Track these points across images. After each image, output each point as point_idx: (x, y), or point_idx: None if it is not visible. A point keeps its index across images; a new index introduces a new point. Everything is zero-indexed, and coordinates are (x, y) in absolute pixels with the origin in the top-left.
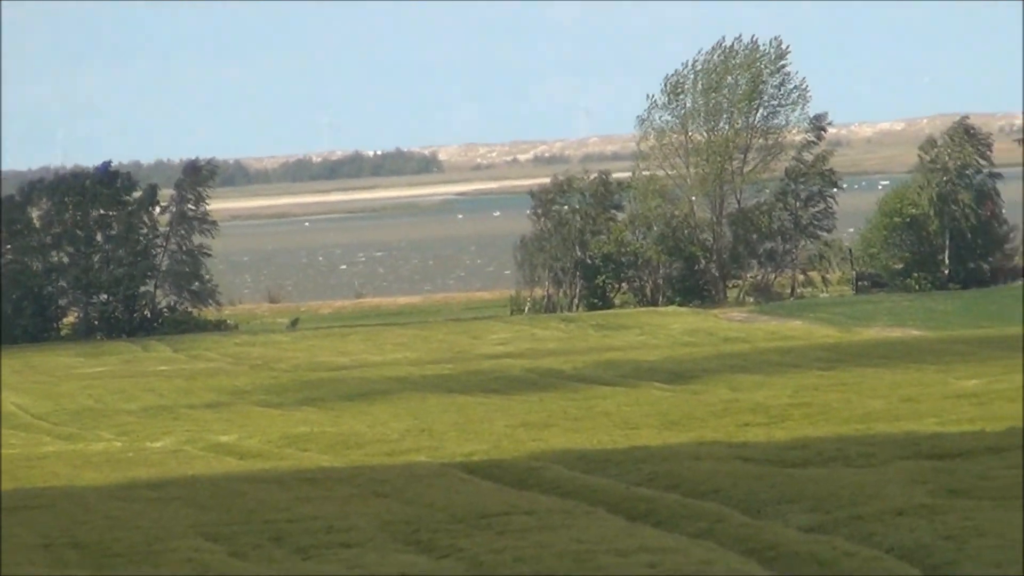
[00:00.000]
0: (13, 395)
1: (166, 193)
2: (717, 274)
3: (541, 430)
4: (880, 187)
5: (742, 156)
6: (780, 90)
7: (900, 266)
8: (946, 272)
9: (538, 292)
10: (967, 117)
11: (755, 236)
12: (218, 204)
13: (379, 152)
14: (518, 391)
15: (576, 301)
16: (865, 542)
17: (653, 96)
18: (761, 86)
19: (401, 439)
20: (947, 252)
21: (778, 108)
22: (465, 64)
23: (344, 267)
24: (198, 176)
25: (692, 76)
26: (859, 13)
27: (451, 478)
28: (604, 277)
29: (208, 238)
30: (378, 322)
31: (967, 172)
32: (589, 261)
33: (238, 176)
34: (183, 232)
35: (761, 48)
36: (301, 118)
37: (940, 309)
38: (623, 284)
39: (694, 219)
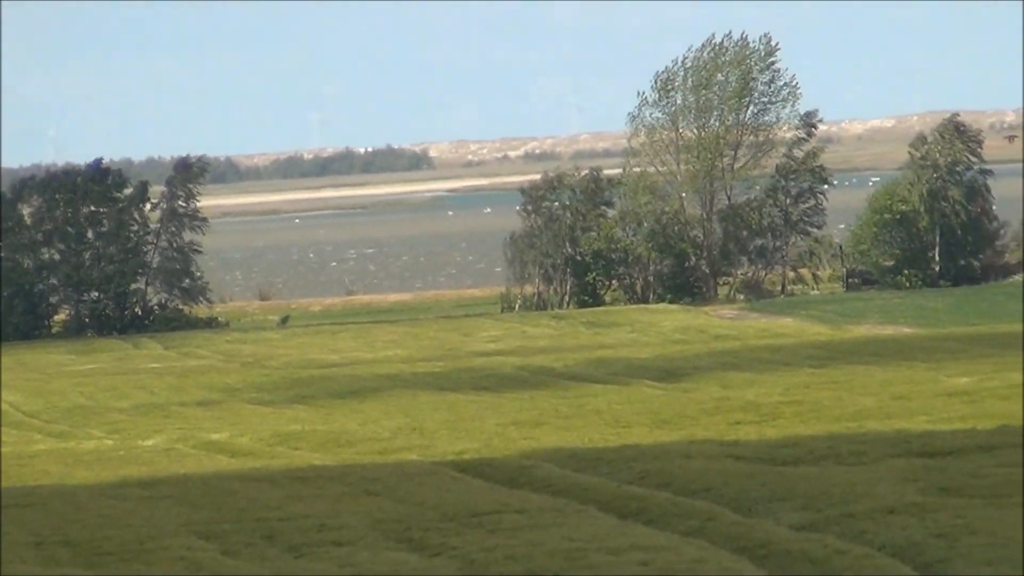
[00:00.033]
0: (5, 393)
1: (157, 190)
2: (708, 271)
3: (532, 428)
4: (871, 184)
5: (732, 153)
6: (770, 87)
7: (891, 263)
8: (937, 269)
9: (528, 289)
10: (957, 114)
11: (745, 233)
12: (209, 201)
13: (370, 149)
14: (509, 389)
15: (567, 298)
16: (856, 540)
17: (644, 93)
18: (751, 83)
19: (392, 437)
20: (938, 249)
21: (768, 105)
22: (456, 61)
23: (335, 264)
24: (189, 173)
25: (682, 73)
26: (849, 11)
27: (442, 476)
28: (595, 274)
29: (199, 235)
30: (369, 319)
31: (957, 169)
32: (579, 258)
33: (229, 173)
34: (174, 229)
35: (751, 45)
36: (292, 115)
37: (931, 306)
38: (614, 281)
39: (684, 216)
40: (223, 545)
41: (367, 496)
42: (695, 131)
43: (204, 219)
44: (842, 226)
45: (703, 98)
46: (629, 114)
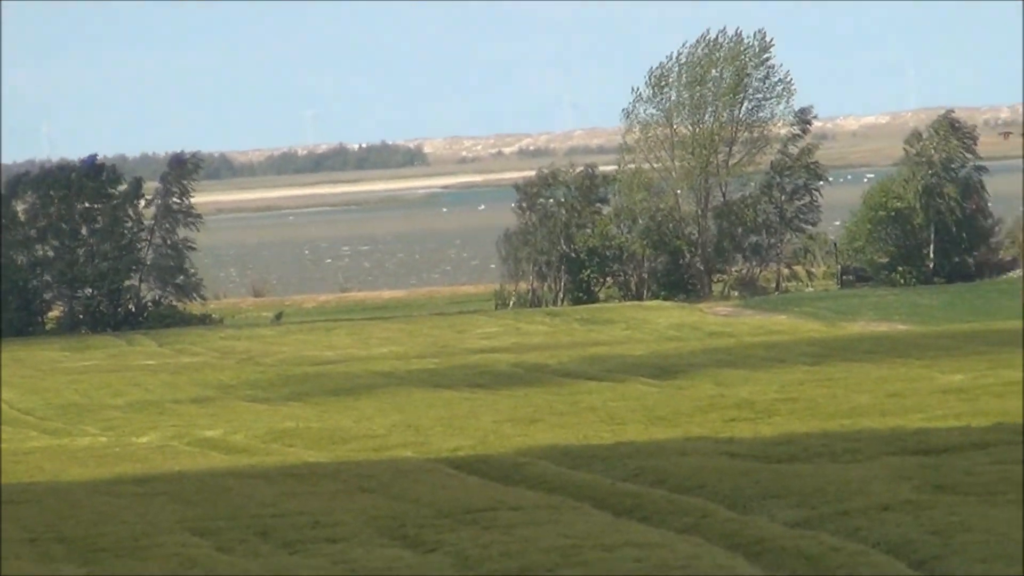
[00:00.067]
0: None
1: (151, 186)
2: (702, 268)
3: (527, 425)
4: (865, 180)
5: (727, 149)
6: (765, 83)
7: (885, 260)
8: (931, 266)
9: (523, 286)
10: (952, 110)
11: (740, 230)
12: (203, 197)
13: (364, 145)
14: (504, 386)
15: (561, 295)
16: (851, 537)
17: (638, 89)
18: (746, 79)
19: (387, 434)
20: (932, 246)
21: (763, 101)
22: (450, 57)
23: (329, 261)
24: (183, 169)
25: (677, 69)
26: (844, 6)
27: (437, 473)
28: (589, 271)
29: (193, 231)
30: (363, 316)
31: (952, 166)
32: (574, 255)
33: (223, 169)
34: (168, 225)
35: (745, 41)
36: (286, 111)
37: (925, 303)
38: (608, 278)
39: (679, 212)
40: (217, 542)
41: (361, 493)
42: (689, 127)
43: (198, 215)
44: (837, 223)
45: (697, 94)
46: (623, 110)
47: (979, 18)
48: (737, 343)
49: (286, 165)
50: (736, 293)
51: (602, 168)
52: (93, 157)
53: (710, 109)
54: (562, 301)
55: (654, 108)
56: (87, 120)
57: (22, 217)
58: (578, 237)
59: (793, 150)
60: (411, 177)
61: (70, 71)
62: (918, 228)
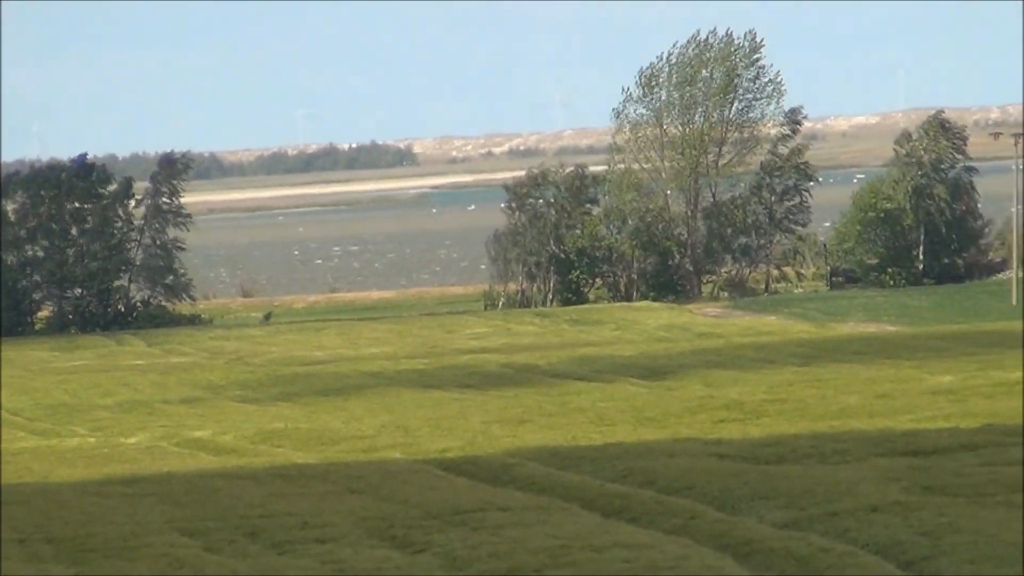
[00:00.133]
0: None
1: (141, 186)
2: (692, 269)
3: (516, 426)
4: (855, 180)
5: (717, 150)
6: (755, 83)
7: (875, 261)
8: (921, 267)
9: (512, 287)
10: (942, 111)
11: (730, 231)
12: (193, 197)
13: (354, 145)
14: (493, 387)
15: (550, 296)
16: (840, 538)
17: (628, 89)
18: (736, 79)
19: (376, 435)
20: (922, 247)
21: (753, 102)
22: (441, 57)
23: (319, 262)
24: (173, 169)
25: (667, 69)
26: (834, 7)
27: (426, 475)
28: (579, 272)
29: (183, 231)
30: (352, 317)
31: (942, 166)
32: (563, 256)
33: (213, 169)
34: (158, 225)
35: (736, 42)
36: (276, 111)
37: (915, 305)
38: (597, 279)
39: (668, 213)
40: (206, 542)
41: (350, 494)
42: (679, 128)
43: (188, 215)
44: (827, 224)
45: (687, 94)
46: (613, 110)
47: (969, 18)
48: (726, 344)
49: (276, 165)
50: (725, 294)
51: (592, 168)
52: (83, 157)
53: (700, 109)
54: (551, 302)
55: (644, 108)
56: (77, 120)
57: (12, 217)
58: (567, 238)
59: (783, 150)
60: (401, 177)
61: (60, 71)
62: (908, 229)
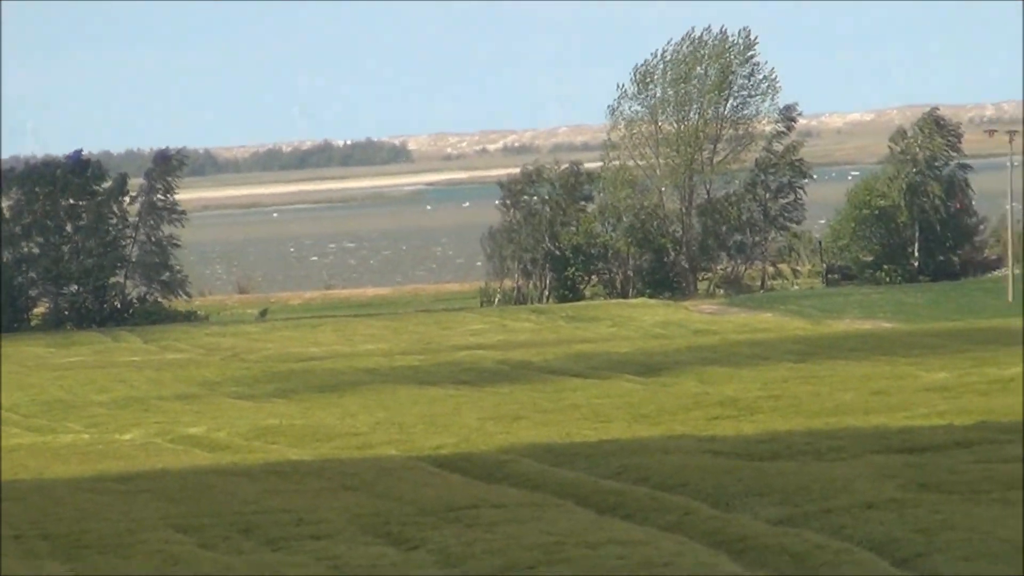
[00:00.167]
0: None
1: (136, 183)
2: (687, 266)
3: (511, 423)
4: (850, 177)
5: (712, 147)
6: (750, 80)
7: (870, 258)
8: (916, 264)
9: (508, 283)
10: (937, 108)
11: (725, 228)
12: (188, 194)
13: (349, 142)
14: (488, 383)
15: (546, 293)
16: (835, 535)
17: (623, 86)
18: (731, 76)
19: (371, 432)
20: (917, 244)
21: (748, 99)
22: (435, 54)
23: (315, 258)
24: (168, 166)
25: (662, 66)
26: (829, 5)
27: (420, 471)
28: (574, 269)
29: (178, 228)
30: (348, 313)
31: (937, 164)
32: (559, 252)
33: (208, 166)
34: (153, 222)
35: (730, 39)
36: (271, 108)
37: (910, 302)
38: (593, 276)
39: (663, 210)
40: (200, 539)
41: (345, 491)
42: (674, 124)
43: (183, 212)
44: (823, 221)
45: (682, 91)
46: (608, 107)
47: (964, 16)
48: (722, 341)
49: (271, 162)
50: (721, 291)
51: (587, 165)
52: (78, 153)
53: (695, 106)
54: (547, 299)
55: (639, 105)
56: (72, 116)
57: (7, 214)
58: (563, 235)
59: (778, 147)
60: (396, 174)
61: (55, 68)
62: (903, 226)
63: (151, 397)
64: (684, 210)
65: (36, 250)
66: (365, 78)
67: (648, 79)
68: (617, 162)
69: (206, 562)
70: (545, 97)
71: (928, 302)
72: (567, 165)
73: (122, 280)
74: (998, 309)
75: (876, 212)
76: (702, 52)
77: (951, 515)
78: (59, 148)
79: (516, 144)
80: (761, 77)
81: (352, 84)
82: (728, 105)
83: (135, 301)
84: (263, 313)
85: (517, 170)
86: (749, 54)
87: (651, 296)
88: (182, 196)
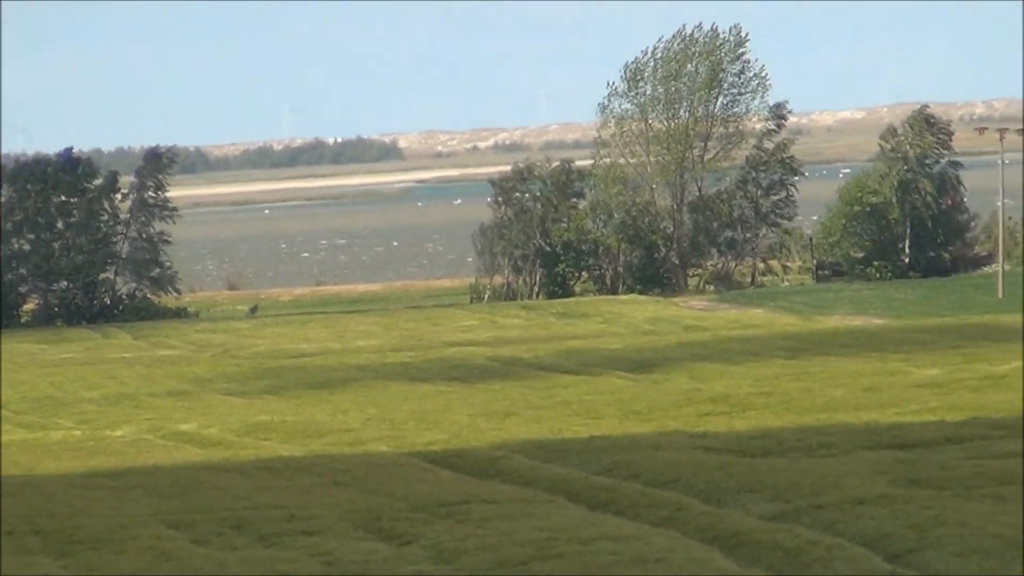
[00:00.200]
0: None
1: (127, 180)
2: (678, 262)
3: (502, 419)
4: (841, 175)
5: (702, 144)
6: (740, 78)
7: (861, 255)
8: (907, 261)
9: (498, 280)
10: (927, 106)
11: (715, 224)
12: (179, 191)
13: (340, 139)
14: (479, 380)
15: (536, 289)
16: (827, 530)
17: (613, 83)
18: (721, 74)
19: (362, 428)
20: (908, 241)
21: (738, 96)
22: (425, 51)
23: (306, 255)
24: (159, 163)
25: (652, 64)
26: (819, 2)
27: (412, 467)
28: (565, 265)
29: (169, 224)
30: (339, 309)
31: (927, 161)
32: (549, 249)
33: (199, 163)
34: (143, 219)
35: (721, 36)
36: (262, 105)
37: (901, 298)
38: (583, 272)
39: (655, 207)
40: (192, 534)
41: (336, 487)
42: (665, 122)
43: (174, 209)
44: (814, 218)
45: (673, 89)
46: (599, 104)
47: (953, 13)
48: (713, 337)
49: (262, 159)
50: (711, 287)
51: (578, 163)
52: (69, 150)
53: (685, 104)
54: (538, 295)
55: (629, 103)
56: (63, 113)
57: None
58: (554, 231)
59: (768, 145)
60: (387, 172)
61: (46, 64)
62: (893, 223)
63: (142, 394)
64: (675, 207)
65: (27, 247)
66: (356, 76)
67: (639, 77)
68: (608, 160)
69: (198, 558)
70: (536, 95)
71: (919, 298)
72: (558, 163)
73: (112, 277)
74: (989, 305)
75: (867, 209)
76: (693, 50)
77: (942, 511)
78: (50, 146)
79: (507, 142)
80: (752, 75)
81: (343, 82)
82: (719, 103)
83: (125, 298)
84: (253, 309)
85: (508, 168)
86: (740, 51)
87: (642, 292)
88: (173, 194)
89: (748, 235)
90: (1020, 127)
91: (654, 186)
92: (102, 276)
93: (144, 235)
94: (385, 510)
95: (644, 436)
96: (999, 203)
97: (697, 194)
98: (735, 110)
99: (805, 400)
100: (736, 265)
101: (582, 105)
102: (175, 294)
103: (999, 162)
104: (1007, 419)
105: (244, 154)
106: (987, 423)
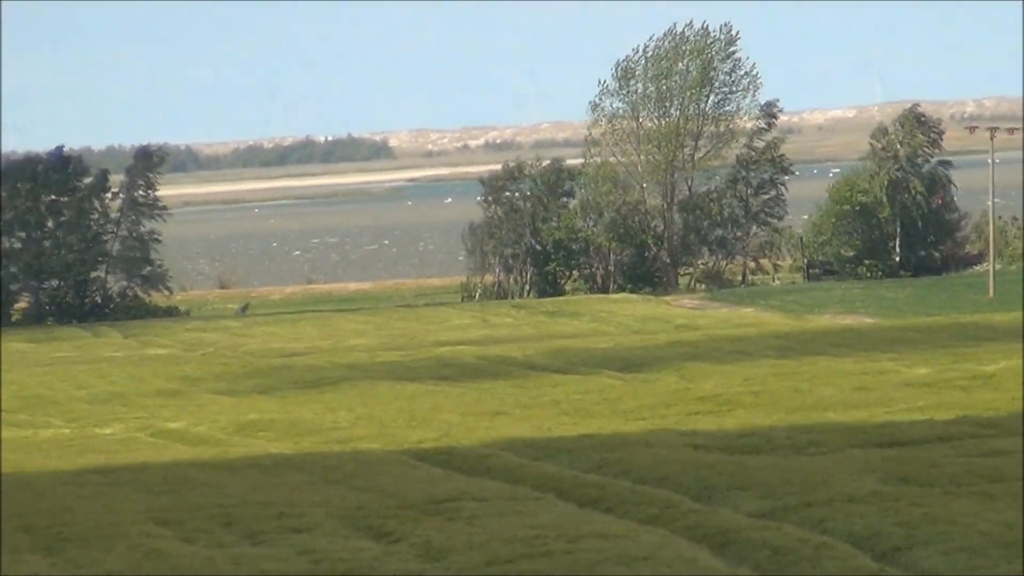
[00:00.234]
0: None
1: (117, 179)
2: (668, 261)
3: (492, 418)
4: (831, 174)
5: (693, 143)
6: (731, 76)
7: (851, 254)
8: (897, 260)
9: (489, 279)
10: (917, 105)
11: (706, 223)
12: (170, 190)
13: (330, 138)
14: (469, 379)
15: (527, 288)
16: (816, 528)
17: (604, 82)
18: (712, 72)
19: (352, 426)
20: (898, 240)
21: (729, 95)
22: (416, 49)
23: (298, 253)
24: (149, 162)
25: (643, 62)
26: (810, 1)
27: (401, 465)
28: (555, 264)
29: (160, 222)
30: (329, 308)
31: (918, 160)
32: (540, 248)
33: (189, 162)
34: (134, 217)
35: (712, 34)
36: (252, 104)
37: (891, 297)
38: (574, 271)
39: (645, 206)
40: (181, 532)
41: (326, 484)
42: (656, 121)
43: (164, 207)
44: (805, 217)
45: (664, 87)
46: (590, 103)
47: (946, 13)
48: (703, 336)
49: (252, 158)
50: (702, 286)
51: (569, 161)
52: (60, 149)
53: (676, 102)
54: (528, 293)
55: (620, 101)
56: (53, 112)
57: None
58: (544, 230)
59: (759, 144)
60: (378, 170)
61: (36, 63)
62: (884, 222)
63: (132, 393)
64: (665, 206)
65: (18, 245)
66: (346, 75)
67: (630, 75)
68: (598, 158)
69: (186, 555)
70: (527, 93)
71: (909, 297)
72: (549, 161)
73: (103, 275)
74: (979, 304)
75: (857, 208)
76: (684, 48)
77: (932, 509)
78: (40, 144)
79: (498, 140)
80: (742, 73)
81: (334, 81)
82: (709, 101)
83: (116, 296)
84: (244, 308)
85: (499, 166)
86: (731, 50)
87: (632, 291)
88: (163, 192)
89: (739, 234)
90: (1011, 126)
91: (644, 185)
92: (93, 274)
93: (135, 234)
94: (374, 508)
95: (634, 434)
96: (990, 202)
97: (687, 193)
98: (726, 108)
99: (795, 399)
100: (727, 264)
101: (573, 104)
102: (166, 292)
103: (989, 161)
104: (996, 418)
105: (234, 153)
106: (976, 422)
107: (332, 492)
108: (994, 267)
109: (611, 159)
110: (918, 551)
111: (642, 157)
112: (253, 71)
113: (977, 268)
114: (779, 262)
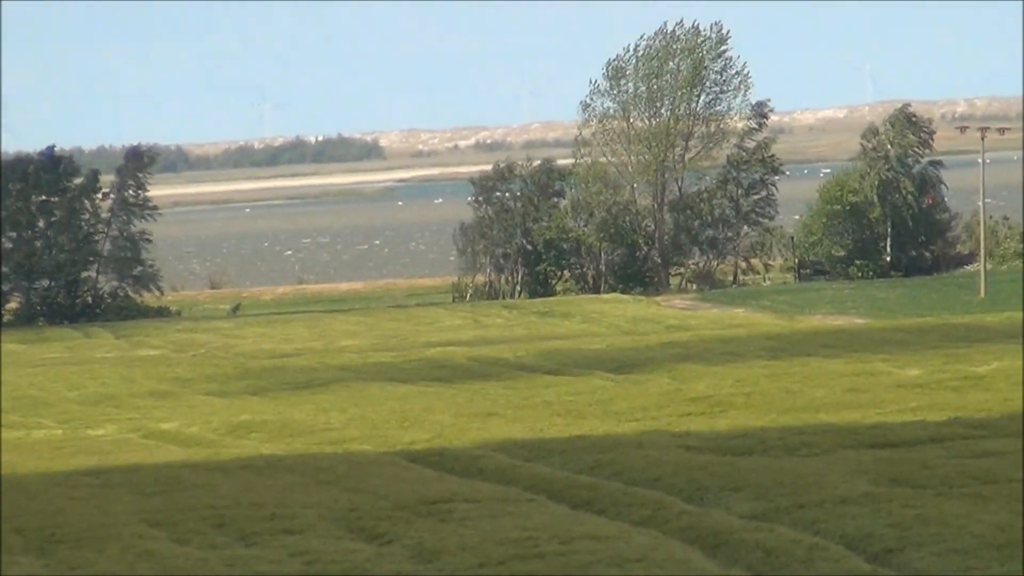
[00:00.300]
0: None
1: (108, 179)
2: (659, 261)
3: (484, 419)
4: (822, 174)
5: (684, 143)
6: (722, 76)
7: (842, 254)
8: (888, 260)
9: (480, 279)
10: (908, 104)
11: (697, 223)
12: (161, 190)
13: (321, 138)
14: (461, 380)
15: (518, 288)
16: (808, 530)
17: (595, 81)
18: (703, 72)
19: (344, 428)
20: (889, 240)
21: (720, 94)
22: (407, 50)
23: (289, 253)
24: (139, 162)
25: (634, 62)
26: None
27: (394, 466)
28: (546, 264)
29: (150, 223)
30: (320, 308)
31: (908, 160)
32: (531, 248)
33: (180, 162)
34: (125, 218)
35: (703, 34)
36: (243, 104)
37: (882, 297)
38: (565, 271)
39: (636, 206)
40: (174, 533)
41: (319, 485)
42: (646, 121)
43: (155, 208)
44: (796, 217)
45: (655, 86)
46: (581, 103)
47: (937, 13)
48: (694, 337)
49: (243, 158)
50: (693, 286)
51: (559, 161)
52: (51, 149)
53: (667, 102)
54: (519, 294)
55: (611, 101)
56: (44, 112)
57: None
58: (535, 230)
59: (750, 144)
60: (368, 171)
61: (26, 63)
62: (875, 222)
63: (123, 394)
64: (656, 206)
65: (8, 245)
66: (337, 75)
67: (620, 74)
68: (589, 158)
69: (179, 557)
70: (518, 94)
71: (900, 297)
72: (539, 161)
73: (94, 275)
74: (970, 305)
75: (848, 208)
76: (674, 47)
77: (924, 510)
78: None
79: (488, 140)
80: (733, 72)
81: (324, 81)
82: (700, 101)
83: (107, 296)
84: (235, 308)
85: (489, 166)
86: (721, 49)
87: (623, 291)
88: (154, 192)
89: (729, 234)
90: (1001, 126)
91: (635, 185)
92: (84, 275)
93: (125, 234)
94: (367, 509)
95: (626, 435)
96: (981, 201)
97: (678, 193)
98: (717, 108)
99: (787, 400)
100: (718, 264)
101: (564, 104)
102: (157, 293)
103: (980, 161)
104: (988, 419)
105: (225, 153)
106: (968, 423)
107: (324, 493)
108: (985, 267)
109: (602, 159)
110: (910, 552)
111: (633, 157)
112: (244, 71)
113: (968, 268)
114: (770, 262)
